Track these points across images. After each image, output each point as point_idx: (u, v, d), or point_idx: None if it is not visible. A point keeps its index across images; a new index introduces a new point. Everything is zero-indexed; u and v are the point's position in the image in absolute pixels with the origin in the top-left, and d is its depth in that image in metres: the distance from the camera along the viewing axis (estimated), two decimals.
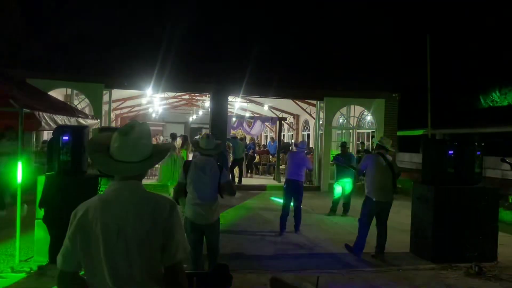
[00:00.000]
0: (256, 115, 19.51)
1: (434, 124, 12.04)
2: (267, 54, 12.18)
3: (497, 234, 5.85)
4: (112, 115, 16.52)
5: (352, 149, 13.49)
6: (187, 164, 4.16)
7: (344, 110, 13.85)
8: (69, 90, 12.02)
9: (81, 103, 12.09)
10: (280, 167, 14.13)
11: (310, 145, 15.60)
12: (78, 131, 5.18)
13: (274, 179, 14.24)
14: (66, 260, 1.61)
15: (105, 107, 12.24)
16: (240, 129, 17.28)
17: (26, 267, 4.78)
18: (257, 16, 13.03)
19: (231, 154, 13.28)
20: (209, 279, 2.42)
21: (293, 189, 7.01)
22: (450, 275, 5.17)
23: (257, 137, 21.34)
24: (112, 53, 11.35)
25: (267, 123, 17.12)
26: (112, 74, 11.51)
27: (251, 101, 17.51)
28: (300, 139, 19.10)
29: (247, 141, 16.91)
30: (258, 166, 16.27)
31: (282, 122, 15.71)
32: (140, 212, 1.63)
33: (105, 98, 11.99)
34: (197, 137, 16.65)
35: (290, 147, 16.67)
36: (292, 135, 21.15)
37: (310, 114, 17.03)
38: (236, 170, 13.25)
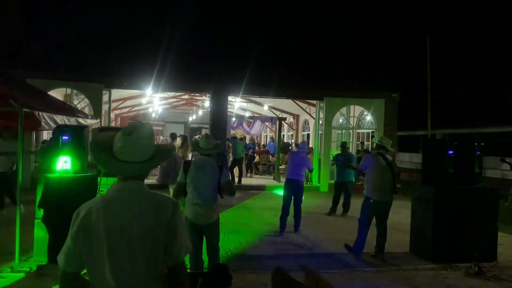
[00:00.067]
0: (256, 115, 19.51)
1: (434, 124, 12.03)
2: (267, 54, 12.19)
3: (497, 234, 5.85)
4: (112, 115, 16.52)
5: (352, 149, 13.48)
6: (187, 164, 4.17)
7: (344, 110, 13.84)
8: (69, 90, 12.02)
9: (80, 103, 12.09)
10: (280, 167, 14.14)
11: (310, 145, 15.60)
12: (77, 131, 5.18)
13: (274, 179, 14.24)
14: (68, 260, 1.61)
15: (105, 107, 12.24)
16: (240, 129, 17.27)
17: (26, 267, 4.78)
18: (257, 16, 13.03)
19: (230, 154, 13.28)
20: (209, 279, 2.42)
21: (293, 189, 7.01)
22: (450, 275, 5.17)
23: (257, 137, 21.33)
24: (112, 53, 11.35)
25: (267, 123, 17.11)
26: (112, 74, 11.51)
27: (251, 101, 17.51)
28: (300, 139, 19.10)
29: (247, 141, 16.91)
30: (258, 166, 16.27)
31: (282, 122, 15.71)
32: (143, 212, 1.62)
33: (105, 98, 11.99)
34: (196, 136, 16.67)
35: (290, 147, 16.67)
36: (292, 135, 21.15)
37: (310, 114, 17.02)
38: (236, 170, 13.25)
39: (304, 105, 16.62)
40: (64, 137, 4.92)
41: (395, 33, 13.73)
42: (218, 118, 12.48)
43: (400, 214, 7.50)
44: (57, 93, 11.37)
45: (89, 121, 7.65)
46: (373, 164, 5.70)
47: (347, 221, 8.19)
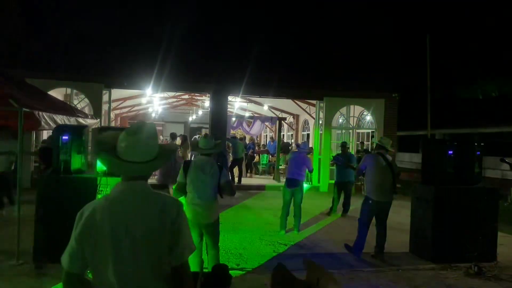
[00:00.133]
0: (255, 115, 19.52)
1: (434, 124, 12.04)
2: (267, 54, 12.18)
3: (497, 234, 5.85)
4: (112, 115, 16.52)
5: (352, 149, 13.49)
6: (187, 164, 4.17)
7: (344, 110, 13.84)
8: (68, 90, 12.02)
9: (80, 102, 12.09)
10: (280, 167, 14.14)
11: (310, 145, 15.60)
12: (77, 131, 5.18)
13: (273, 179, 14.24)
14: (72, 261, 1.60)
15: (104, 107, 12.23)
16: (239, 129, 17.28)
17: (25, 267, 4.77)
18: (257, 16, 13.03)
19: (230, 154, 13.29)
20: (209, 279, 2.42)
21: (293, 189, 7.00)
22: (449, 275, 5.17)
23: (257, 137, 21.33)
24: (112, 52, 11.35)
25: (266, 123, 17.12)
26: (112, 74, 11.51)
27: (251, 101, 17.51)
28: (300, 139, 19.11)
29: (247, 141, 16.91)
30: (258, 166, 16.26)
31: (282, 122, 15.72)
32: (147, 213, 1.62)
33: (105, 97, 11.99)
34: (196, 136, 16.68)
35: (290, 147, 16.68)
36: (292, 135, 21.15)
37: (309, 114, 17.02)
38: (235, 170, 13.26)
39: (304, 105, 16.62)
40: (64, 137, 4.92)
41: (395, 33, 13.74)
42: (218, 118, 12.48)
43: (400, 214, 7.50)
44: (57, 93, 11.37)
45: (89, 121, 7.66)
46: (373, 164, 5.70)
47: (347, 221, 8.19)
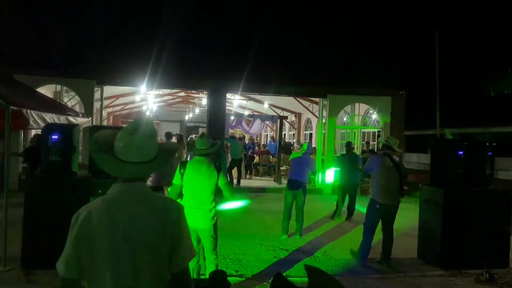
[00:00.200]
0: (255, 113, 19.53)
1: (443, 123, 12.04)
2: (268, 48, 12.18)
3: (509, 239, 5.85)
4: (104, 113, 16.52)
5: (357, 149, 13.51)
6: (183, 165, 4.17)
7: (348, 108, 13.86)
8: (58, 87, 12.03)
9: (71, 100, 12.09)
10: (281, 168, 14.16)
11: (313, 145, 15.62)
12: (68, 130, 5.18)
13: (274, 180, 14.25)
14: (69, 267, 1.59)
15: (96, 105, 12.24)
16: (238, 128, 17.32)
17: (13, 273, 4.77)
18: (258, 9, 13.01)
19: (229, 155, 13.30)
20: (206, 286, 2.43)
21: (296, 191, 7.01)
22: (459, 282, 5.18)
23: (257, 137, 21.35)
24: (104, 47, 11.33)
25: (267, 122, 17.14)
26: (104, 70, 11.50)
27: (251, 99, 17.53)
28: (302, 139, 19.14)
29: (246, 141, 16.94)
30: (258, 167, 16.28)
31: (283, 120, 15.74)
32: (147, 216, 1.62)
33: (97, 95, 12.00)
34: (193, 136, 16.70)
35: (292, 148, 16.70)
36: (293, 134, 21.17)
37: (312, 112, 17.04)
38: (234, 172, 13.27)
39: (306, 103, 16.63)
40: (53, 137, 4.92)
41: (403, 26, 13.73)
42: (216, 116, 12.48)
43: (407, 218, 7.51)
44: (47, 90, 11.37)
45: (80, 120, 7.67)
46: (379, 165, 5.71)
47: (352, 225, 8.20)
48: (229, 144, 13.29)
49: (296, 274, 5.17)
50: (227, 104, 14.16)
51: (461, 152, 5.81)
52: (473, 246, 5.61)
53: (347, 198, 8.89)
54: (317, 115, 14.55)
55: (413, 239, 6.33)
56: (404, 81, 13.48)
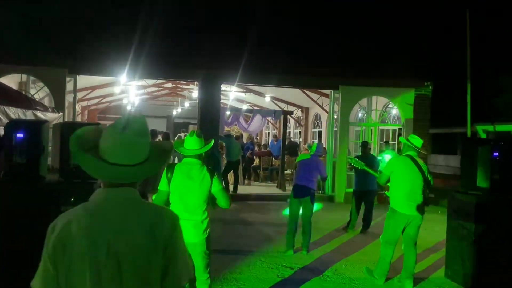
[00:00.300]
0: (255, 107, 19.56)
1: (475, 119, 12.05)
2: (270, 32, 12.18)
3: None
4: (78, 107, 16.56)
5: (374, 151, 13.53)
6: (170, 168, 4.17)
7: (364, 102, 13.88)
8: (24, 77, 12.04)
9: (39, 92, 12.09)
10: (285, 172, 14.18)
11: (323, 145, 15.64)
12: (35, 127, 5.17)
13: (277, 187, 14.27)
14: (46, 285, 1.58)
15: (68, 98, 12.25)
16: (235, 125, 17.32)
17: None
18: None
19: (224, 156, 13.32)
20: None
21: (302, 199, 7.02)
22: None
23: (257, 135, 21.37)
24: (77, 30, 11.32)
25: (268, 118, 17.16)
26: (77, 57, 11.50)
27: (250, 91, 17.56)
28: (310, 138, 19.16)
29: (244, 140, 16.96)
30: (258, 171, 16.30)
31: (288, 116, 15.75)
32: (136, 227, 1.61)
33: (69, 86, 12.01)
34: (181, 134, 16.72)
35: (298, 148, 16.72)
36: (299, 132, 21.21)
37: (322, 107, 17.07)
38: (230, 176, 13.28)
39: (315, 96, 16.66)
40: (18, 135, 4.92)
41: (428, 7, 13.73)
42: (209, 111, 12.50)
43: (433, 231, 7.52)
44: (9, 80, 11.36)
45: (49, 115, 7.68)
46: (401, 168, 5.71)
47: (368, 238, 8.21)
48: (224, 144, 13.31)
49: None
50: (222, 97, 14.17)
51: (496, 154, 5.81)
52: (510, 264, 5.61)
53: (362, 207, 8.92)
54: (328, 110, 14.57)
55: (440, 255, 6.35)
56: (430, 70, 13.49)
